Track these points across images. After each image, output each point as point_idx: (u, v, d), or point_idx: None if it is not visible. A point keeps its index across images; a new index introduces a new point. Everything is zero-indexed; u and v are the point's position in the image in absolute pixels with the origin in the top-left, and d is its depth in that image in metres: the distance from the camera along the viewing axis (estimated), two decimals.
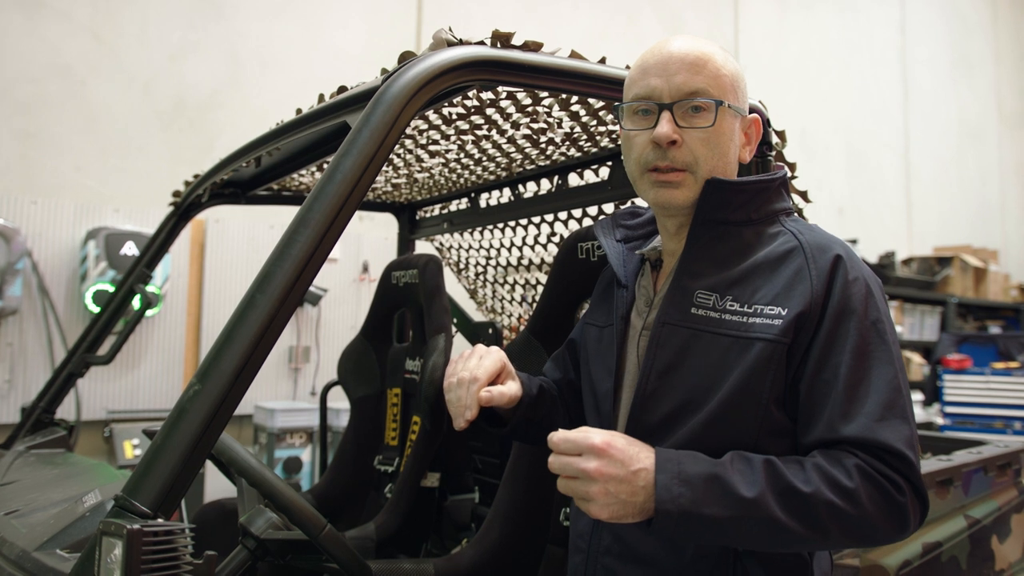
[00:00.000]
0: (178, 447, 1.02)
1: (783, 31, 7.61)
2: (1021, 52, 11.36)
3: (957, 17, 10.13)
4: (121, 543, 0.90)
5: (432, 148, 2.14)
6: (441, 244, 3.18)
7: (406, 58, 1.31)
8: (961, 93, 10.12)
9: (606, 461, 1.04)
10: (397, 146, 2.00)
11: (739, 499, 1.02)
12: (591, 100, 1.65)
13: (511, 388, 1.33)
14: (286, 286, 1.12)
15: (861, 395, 1.09)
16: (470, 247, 3.03)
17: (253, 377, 1.09)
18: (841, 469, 1.06)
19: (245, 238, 4.28)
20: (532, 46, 1.38)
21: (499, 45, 1.35)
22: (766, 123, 1.56)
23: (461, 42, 1.32)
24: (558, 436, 1.08)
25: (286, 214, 4.16)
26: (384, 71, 1.36)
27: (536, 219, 2.58)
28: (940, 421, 5.86)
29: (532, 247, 2.69)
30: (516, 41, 1.37)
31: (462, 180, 2.57)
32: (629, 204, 1.78)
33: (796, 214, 1.32)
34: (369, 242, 4.67)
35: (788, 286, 1.16)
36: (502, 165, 2.34)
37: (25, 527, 1.40)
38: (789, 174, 1.32)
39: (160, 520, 0.96)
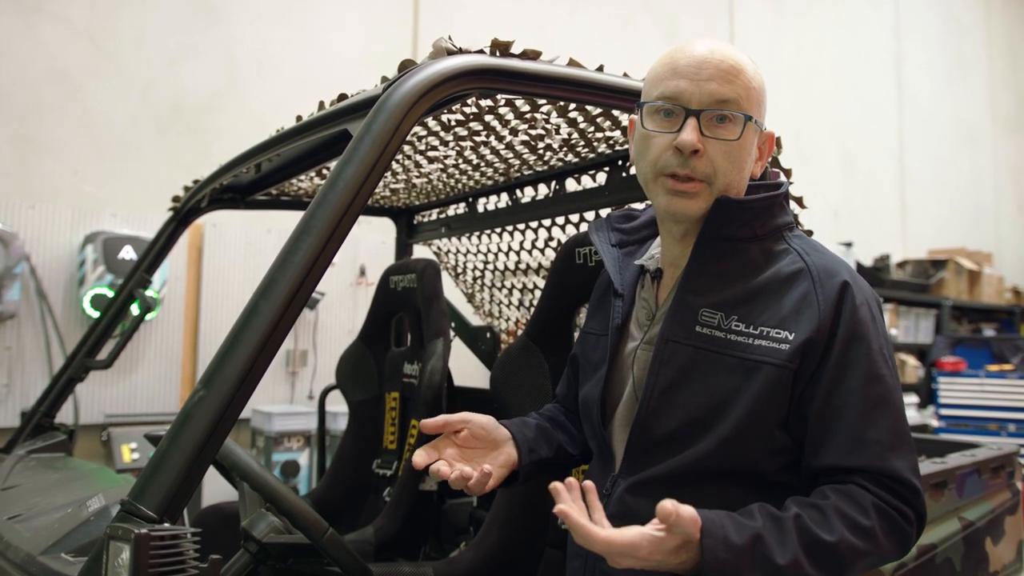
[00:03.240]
0: (183, 452, 1.04)
1: (778, 35, 7.64)
2: (1014, 54, 11.41)
3: (951, 19, 10.17)
4: (129, 547, 0.92)
5: (430, 154, 2.16)
6: (439, 248, 3.20)
7: (406, 66, 1.32)
8: (956, 95, 10.16)
9: (642, 562, 0.99)
10: None
11: (775, 566, 1.02)
12: (588, 107, 1.67)
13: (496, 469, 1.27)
14: (289, 292, 1.13)
15: (873, 423, 1.11)
16: (468, 251, 3.05)
17: (257, 383, 1.10)
18: (859, 509, 1.08)
19: (242, 242, 4.28)
20: (531, 54, 1.39)
21: (498, 53, 1.36)
22: None
23: (461, 50, 1.33)
24: (601, 547, 0.97)
25: (283, 219, 4.16)
26: (384, 79, 1.38)
27: (533, 224, 2.60)
28: (935, 424, 5.89)
29: (530, 251, 2.71)
30: (515, 49, 1.38)
31: (460, 185, 2.58)
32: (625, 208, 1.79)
33: (798, 227, 1.32)
34: (366, 246, 4.68)
35: (795, 310, 1.16)
36: (500, 170, 2.36)
37: (29, 531, 1.41)
38: (788, 184, 1.32)
39: (166, 524, 0.98)
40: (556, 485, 1.01)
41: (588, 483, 1.04)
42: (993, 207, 10.68)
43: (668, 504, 0.96)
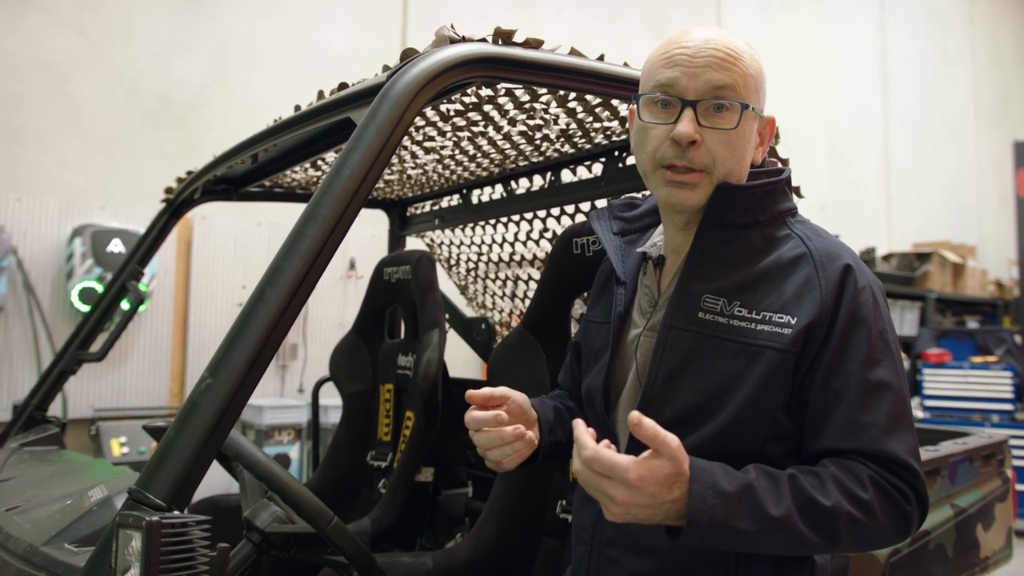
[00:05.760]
0: (191, 440, 1.03)
1: (765, 30, 7.68)
2: (998, 49, 11.52)
3: (935, 15, 10.25)
4: (140, 535, 0.91)
5: (427, 144, 2.16)
6: (432, 240, 3.19)
7: (409, 55, 1.32)
8: (940, 90, 10.24)
9: (635, 492, 1.00)
10: None
11: (767, 516, 1.03)
12: (588, 97, 1.67)
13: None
14: (296, 280, 1.13)
15: (870, 407, 1.11)
16: (461, 243, 3.04)
17: (264, 371, 1.10)
18: (856, 481, 1.08)
19: (232, 235, 4.26)
20: (533, 43, 1.39)
21: (500, 42, 1.36)
22: None
23: (464, 39, 1.33)
24: (589, 453, 1.01)
25: (273, 211, 4.15)
26: (386, 67, 1.37)
27: (528, 215, 2.59)
28: (920, 415, 5.94)
29: (524, 243, 2.71)
30: (517, 38, 1.38)
31: (455, 176, 2.58)
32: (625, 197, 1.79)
33: (800, 213, 1.32)
34: (355, 239, 4.67)
35: (797, 294, 1.15)
36: (496, 161, 2.35)
37: (29, 523, 1.40)
38: (789, 171, 1.32)
39: (176, 512, 0.97)
40: (578, 421, 1.06)
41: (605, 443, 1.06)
42: (976, 201, 10.78)
43: (634, 413, 1.00)
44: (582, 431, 1.04)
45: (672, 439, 1.01)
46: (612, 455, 1.01)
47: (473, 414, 1.21)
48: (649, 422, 1.00)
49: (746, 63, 1.20)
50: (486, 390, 1.25)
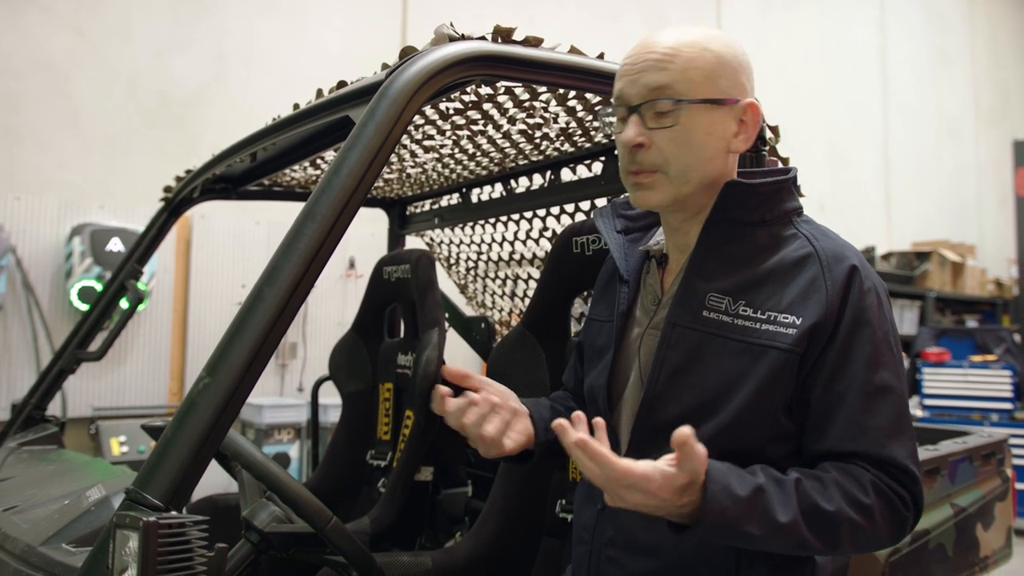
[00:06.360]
0: (188, 439, 1.03)
1: (765, 30, 7.67)
2: (997, 49, 11.51)
3: (935, 14, 10.25)
4: (137, 535, 0.91)
5: (426, 143, 2.15)
6: (431, 239, 3.19)
7: (408, 53, 1.31)
8: (940, 90, 10.24)
9: (650, 497, 1.01)
10: None
11: (775, 522, 1.04)
12: (588, 95, 1.67)
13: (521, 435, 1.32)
14: (294, 279, 1.13)
15: (873, 410, 1.11)
16: (461, 242, 3.04)
17: (262, 370, 1.10)
18: (858, 486, 1.09)
19: (231, 234, 4.26)
20: (533, 41, 1.39)
21: (500, 40, 1.36)
22: None
23: (463, 37, 1.33)
24: (620, 466, 0.99)
25: (273, 210, 4.15)
26: (385, 65, 1.37)
27: (528, 214, 2.59)
28: (919, 413, 5.95)
29: (524, 242, 2.70)
30: (517, 37, 1.38)
31: (454, 175, 2.58)
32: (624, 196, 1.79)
33: (805, 213, 1.32)
34: (355, 238, 4.66)
35: (803, 294, 1.15)
36: (495, 160, 2.35)
37: (27, 523, 1.39)
38: (796, 170, 1.31)
39: (174, 512, 0.97)
40: (560, 421, 1.02)
41: (598, 419, 1.07)
42: (976, 200, 10.79)
43: (686, 428, 0.98)
44: (596, 445, 1.01)
45: (701, 450, 1.00)
46: (637, 469, 0.99)
47: (448, 404, 1.25)
48: (688, 431, 0.99)
49: (687, 57, 1.18)
50: (463, 369, 1.29)
